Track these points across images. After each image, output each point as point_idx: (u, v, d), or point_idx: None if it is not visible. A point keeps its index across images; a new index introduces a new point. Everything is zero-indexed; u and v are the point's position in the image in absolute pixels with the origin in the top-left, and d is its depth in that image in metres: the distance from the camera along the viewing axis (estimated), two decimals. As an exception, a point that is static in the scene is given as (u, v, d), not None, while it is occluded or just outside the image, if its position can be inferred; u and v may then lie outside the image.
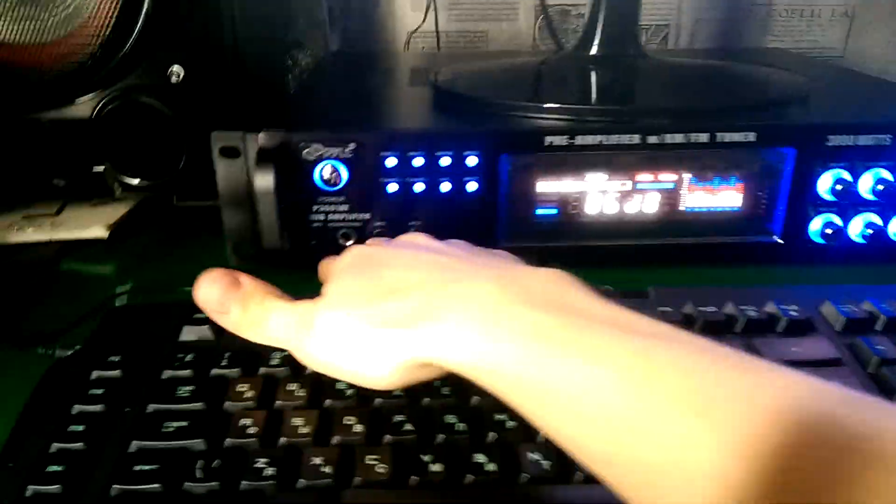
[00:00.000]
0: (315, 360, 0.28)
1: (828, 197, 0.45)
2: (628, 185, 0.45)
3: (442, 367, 0.25)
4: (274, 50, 0.72)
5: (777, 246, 0.47)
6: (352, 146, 0.42)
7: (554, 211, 0.46)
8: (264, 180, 0.40)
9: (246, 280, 0.30)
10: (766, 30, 0.92)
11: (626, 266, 0.47)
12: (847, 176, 0.45)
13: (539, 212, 0.46)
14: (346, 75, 0.66)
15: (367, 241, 0.40)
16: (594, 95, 0.50)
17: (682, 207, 0.46)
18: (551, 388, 0.22)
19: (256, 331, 0.29)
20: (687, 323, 0.35)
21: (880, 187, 0.44)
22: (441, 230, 0.44)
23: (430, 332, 0.25)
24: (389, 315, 0.26)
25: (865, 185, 0.45)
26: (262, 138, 0.41)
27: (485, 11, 0.88)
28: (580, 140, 0.43)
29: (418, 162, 0.43)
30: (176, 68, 0.49)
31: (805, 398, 0.19)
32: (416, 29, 0.87)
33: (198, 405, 0.28)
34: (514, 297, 0.24)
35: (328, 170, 0.42)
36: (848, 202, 0.45)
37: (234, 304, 0.29)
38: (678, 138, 0.43)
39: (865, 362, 0.33)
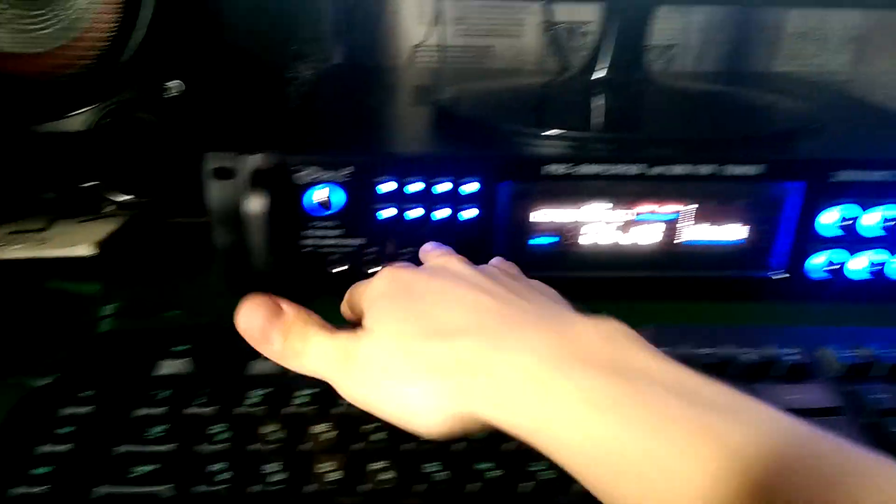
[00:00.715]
0: (356, 396, 0.26)
1: (833, 233, 0.44)
2: (629, 215, 0.44)
3: (490, 424, 0.24)
4: (275, 62, 0.72)
5: (780, 282, 0.45)
6: (347, 170, 0.41)
7: (553, 240, 0.45)
8: (256, 204, 0.39)
9: (288, 308, 0.29)
10: (774, 53, 0.90)
11: (626, 299, 0.45)
12: (854, 212, 0.43)
13: (537, 241, 0.45)
14: (346, 91, 0.65)
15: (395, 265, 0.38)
16: (597, 122, 0.49)
17: (683, 240, 0.45)
18: (610, 459, 0.21)
19: (298, 361, 0.28)
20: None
21: (887, 224, 0.43)
22: (435, 258, 0.43)
23: (479, 386, 0.24)
24: (436, 361, 0.25)
25: (872, 221, 0.44)
26: (256, 161, 0.40)
27: (491, 27, 0.87)
28: (581, 169, 0.42)
29: (415, 187, 0.42)
30: (173, 83, 0.48)
31: None
32: (421, 43, 0.87)
33: (170, 447, 0.27)
34: (570, 355, 0.23)
35: (322, 193, 0.41)
36: (854, 239, 0.44)
37: (276, 333, 0.28)
38: (682, 170, 0.42)
39: (863, 412, 0.31)
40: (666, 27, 0.87)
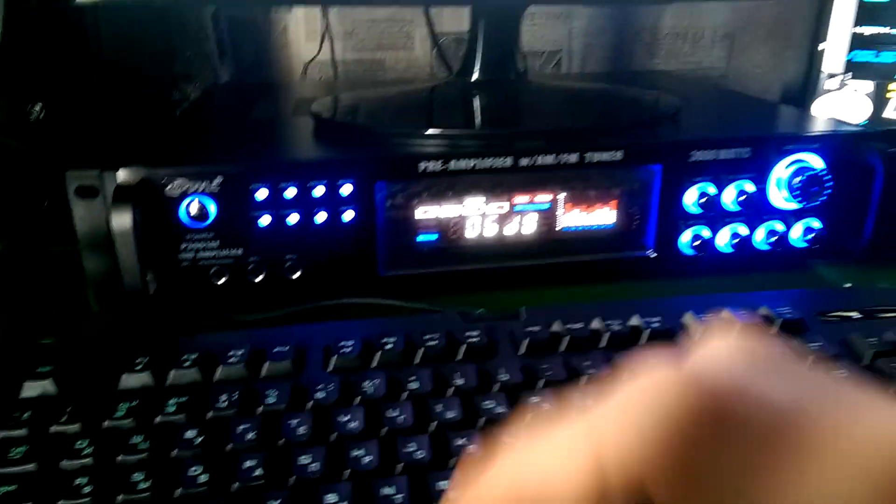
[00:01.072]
0: None
1: (695, 210, 0.47)
2: (506, 207, 0.46)
3: None
4: (158, 82, 0.70)
5: (651, 260, 0.48)
6: (218, 179, 0.41)
7: (434, 237, 0.46)
8: (122, 220, 0.38)
9: None
10: (653, 52, 0.96)
11: (511, 288, 0.47)
12: (712, 189, 0.46)
13: (419, 238, 0.46)
14: (229, 108, 0.65)
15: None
16: (469, 120, 0.50)
17: (559, 227, 0.47)
18: None
19: None
20: (553, 340, 0.35)
21: (743, 198, 0.46)
22: (320, 261, 0.43)
23: None
24: None
25: (729, 197, 0.47)
26: (120, 175, 0.39)
27: (381, 40, 0.89)
28: (454, 165, 0.43)
29: (290, 193, 0.42)
30: (35, 105, 0.47)
31: None
32: (312, 59, 0.87)
33: (30, 466, 0.26)
34: None
35: (195, 205, 0.41)
36: (714, 214, 0.47)
37: None
38: (549, 160, 0.44)
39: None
40: (550, 34, 0.91)
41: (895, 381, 0.33)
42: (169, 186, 0.40)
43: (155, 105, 0.66)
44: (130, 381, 0.32)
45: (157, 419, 0.30)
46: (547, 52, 0.92)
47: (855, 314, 0.39)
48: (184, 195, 0.40)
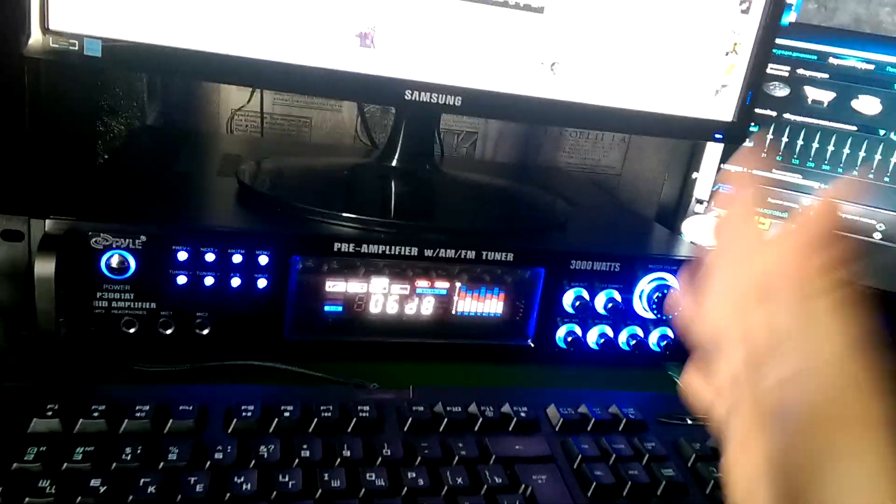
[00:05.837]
0: None
1: (570, 310, 0.54)
2: (408, 289, 0.51)
3: None
4: (80, 117, 0.71)
5: (530, 349, 0.54)
6: (142, 238, 0.43)
7: (339, 308, 0.50)
8: (45, 268, 0.40)
9: None
10: (559, 147, 1.05)
11: (406, 361, 0.52)
12: (586, 294, 0.53)
13: (326, 308, 0.50)
14: (155, 156, 0.67)
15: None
16: (384, 208, 0.56)
17: (454, 311, 0.52)
18: None
19: None
20: (435, 420, 0.40)
21: (611, 305, 0.54)
22: (230, 321, 0.47)
23: None
24: None
25: (600, 302, 0.54)
26: (48, 225, 0.42)
27: (310, 99, 0.93)
28: (366, 248, 0.48)
29: (209, 257, 0.45)
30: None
31: None
32: (241, 108, 0.90)
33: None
34: None
35: (116, 259, 0.43)
36: (586, 315, 0.54)
37: None
38: (450, 253, 0.50)
39: (572, 459, 0.39)
40: (469, 118, 0.99)
41: (709, 483, 0.40)
42: (94, 240, 0.42)
43: (79, 138, 0.67)
44: (40, 426, 0.34)
45: (65, 466, 0.32)
46: (465, 133, 1.00)
47: (689, 419, 0.46)
48: (107, 249, 0.43)
